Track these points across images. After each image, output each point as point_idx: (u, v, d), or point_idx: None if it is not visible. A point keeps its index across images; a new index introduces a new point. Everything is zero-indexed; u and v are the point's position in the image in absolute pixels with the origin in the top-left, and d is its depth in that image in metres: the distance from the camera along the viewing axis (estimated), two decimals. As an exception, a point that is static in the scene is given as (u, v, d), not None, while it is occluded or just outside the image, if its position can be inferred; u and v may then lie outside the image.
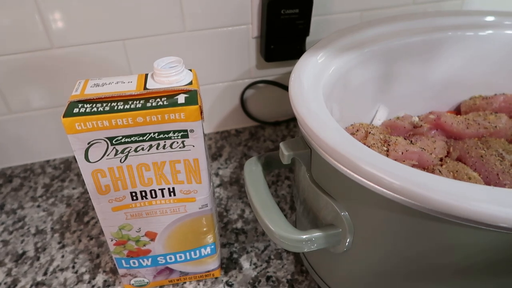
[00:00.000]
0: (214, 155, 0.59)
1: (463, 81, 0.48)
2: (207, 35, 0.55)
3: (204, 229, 0.38)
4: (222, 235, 0.47)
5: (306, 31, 0.55)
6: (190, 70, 0.34)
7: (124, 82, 0.33)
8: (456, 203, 0.24)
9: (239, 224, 0.48)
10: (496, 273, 0.28)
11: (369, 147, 0.39)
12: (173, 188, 0.34)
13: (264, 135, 0.63)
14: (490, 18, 0.47)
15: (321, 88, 0.36)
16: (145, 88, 0.32)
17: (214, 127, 0.64)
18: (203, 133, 0.32)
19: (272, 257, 0.44)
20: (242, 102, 0.62)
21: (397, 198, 0.26)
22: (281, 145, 0.33)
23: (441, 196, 0.24)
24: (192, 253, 0.39)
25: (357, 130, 0.42)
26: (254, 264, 0.43)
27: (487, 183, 0.38)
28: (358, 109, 0.45)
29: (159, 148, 0.32)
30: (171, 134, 0.31)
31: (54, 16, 0.48)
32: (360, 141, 0.41)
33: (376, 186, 0.26)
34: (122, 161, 0.32)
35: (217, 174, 0.55)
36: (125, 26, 0.51)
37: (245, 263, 0.43)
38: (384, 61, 0.45)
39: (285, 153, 0.33)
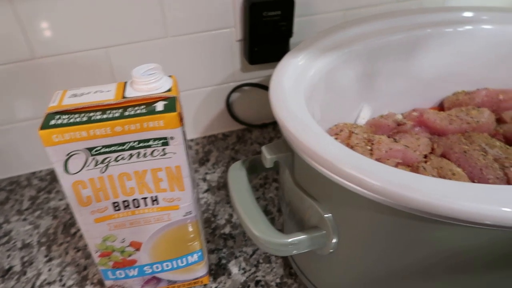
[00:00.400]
0: (201, 160, 0.58)
1: (446, 77, 0.48)
2: (190, 39, 0.54)
3: (190, 236, 0.37)
4: (210, 241, 0.46)
5: (289, 32, 0.55)
6: (170, 76, 0.34)
7: (102, 91, 0.32)
8: (438, 202, 0.24)
9: (227, 229, 0.47)
10: (483, 269, 0.28)
11: (353, 147, 0.39)
12: (156, 196, 0.34)
13: (251, 138, 0.63)
14: (469, 14, 0.47)
15: (302, 90, 0.36)
16: (123, 96, 0.31)
17: (200, 132, 0.63)
18: (185, 139, 0.32)
19: (261, 261, 0.43)
20: (228, 105, 0.62)
21: (379, 199, 0.26)
22: (263, 148, 0.33)
23: (423, 196, 0.24)
24: (179, 261, 0.38)
25: (341, 130, 0.42)
26: (243, 269, 0.43)
27: (471, 178, 0.38)
28: (342, 109, 0.45)
29: (139, 156, 0.31)
30: (151, 142, 0.31)
31: (35, 25, 0.48)
32: (344, 141, 0.41)
33: (358, 188, 0.26)
34: (102, 172, 0.31)
35: (204, 179, 0.55)
36: (107, 34, 0.51)
37: (233, 269, 0.43)
38: (366, 60, 0.45)
39: (267, 156, 0.33)
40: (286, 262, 0.43)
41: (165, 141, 0.31)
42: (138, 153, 0.31)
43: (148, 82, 0.31)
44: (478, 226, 0.24)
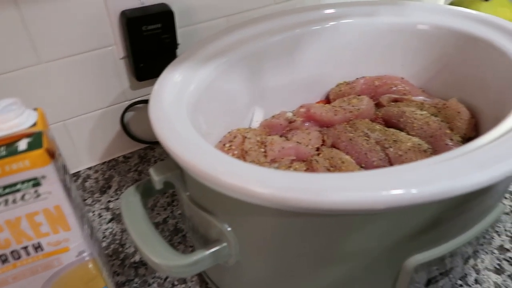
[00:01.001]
0: (102, 188, 0.55)
1: (327, 71, 0.51)
2: (68, 63, 0.51)
3: (90, 275, 0.35)
4: (120, 273, 0.44)
5: (173, 44, 0.54)
6: (36, 109, 0.31)
7: (-45, 137, 0.28)
8: (314, 198, 0.24)
9: (137, 257, 0.45)
10: (379, 253, 0.29)
11: (247, 152, 0.40)
12: (39, 243, 0.30)
13: (155, 156, 0.60)
14: (340, 9, 0.50)
15: (184, 104, 0.35)
16: (-21, 140, 0.28)
17: (99, 158, 0.60)
18: (63, 175, 0.30)
19: (176, 283, 0.42)
20: (124, 126, 0.59)
21: (265, 204, 0.26)
22: (150, 170, 0.32)
23: (300, 195, 0.24)
24: (82, 304, 0.36)
25: (235, 137, 0.42)
26: (158, 295, 0.41)
27: (359, 163, 0.40)
28: (233, 115, 0.45)
29: (8, 204, 0.28)
30: (19, 186, 0.28)
31: None
32: (238, 147, 0.41)
33: (242, 196, 0.26)
34: (-34, 228, 0.28)
35: (107, 208, 0.52)
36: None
37: (148, 297, 0.41)
38: (250, 63, 0.45)
39: (155, 178, 0.31)
40: (202, 278, 0.42)
41: (36, 182, 0.28)
42: (6, 201, 0.28)
43: (6, 120, 0.28)
44: (359, 214, 0.25)
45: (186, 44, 0.56)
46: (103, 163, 0.60)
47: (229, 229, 0.31)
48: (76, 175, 0.57)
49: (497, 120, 0.32)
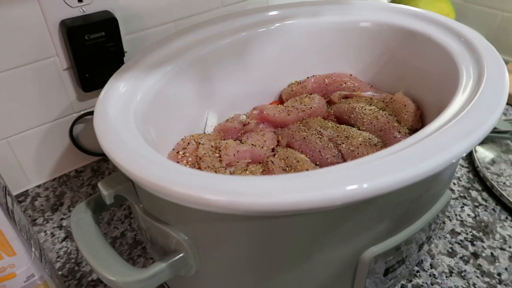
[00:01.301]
0: (54, 206, 0.52)
1: (279, 71, 0.51)
2: (8, 76, 0.48)
3: (42, 300, 0.33)
4: (77, 293, 0.42)
5: (120, 52, 0.52)
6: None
7: None
8: (269, 201, 0.24)
9: (94, 276, 0.43)
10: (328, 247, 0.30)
11: (201, 158, 0.39)
12: (-20, 271, 0.28)
13: (109, 168, 0.58)
14: (285, 10, 0.50)
15: (132, 113, 0.34)
16: None
17: (48, 175, 0.57)
18: (4, 197, 0.28)
19: (137, 298, 0.41)
20: (74, 139, 0.56)
21: (214, 210, 0.25)
22: (99, 184, 0.31)
23: (254, 199, 0.24)
24: (36, 331, 0.34)
25: (188, 144, 0.41)
26: (119, 312, 0.39)
27: (313, 161, 0.41)
28: (186, 121, 0.44)
29: None
30: (-47, 213, 0.26)
31: None
32: (192, 153, 0.40)
33: (191, 204, 0.25)
34: None
35: (60, 226, 0.49)
36: None
37: (108, 316, 0.39)
38: (199, 68, 0.45)
39: (104, 193, 0.30)
40: (164, 290, 0.41)
41: (-28, 207, 0.26)
42: None
43: None
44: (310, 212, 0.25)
45: (135, 51, 0.55)
46: (54, 179, 0.57)
47: (186, 238, 0.30)
48: (24, 194, 0.54)
49: (440, 110, 0.33)
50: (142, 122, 0.34)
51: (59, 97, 0.53)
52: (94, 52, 0.50)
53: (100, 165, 0.59)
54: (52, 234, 0.49)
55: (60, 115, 0.54)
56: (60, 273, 0.44)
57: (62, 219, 0.51)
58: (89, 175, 0.57)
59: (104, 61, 0.51)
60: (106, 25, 0.49)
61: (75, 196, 0.54)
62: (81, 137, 0.57)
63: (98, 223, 0.33)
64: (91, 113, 0.56)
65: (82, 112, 0.56)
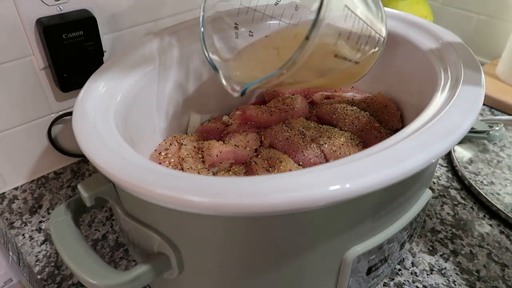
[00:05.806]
0: (32, 209, 0.51)
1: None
2: (-21, 77, 0.46)
3: (20, 306, 0.32)
4: (57, 298, 0.41)
5: (99, 52, 0.51)
6: None
7: None
8: (252, 202, 0.24)
9: (75, 279, 0.42)
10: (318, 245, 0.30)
11: (183, 159, 0.39)
12: (-46, 278, 0.28)
13: (89, 169, 0.57)
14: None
15: (112, 114, 0.33)
16: None
17: (26, 176, 0.55)
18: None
19: (119, 301, 0.40)
20: (52, 140, 0.55)
21: (200, 212, 0.25)
22: (79, 186, 0.30)
23: (236, 200, 0.24)
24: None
25: (170, 145, 0.41)
26: (100, 317, 0.39)
27: (296, 161, 0.41)
28: (169, 122, 0.44)
29: None
30: None
31: None
32: (175, 154, 0.40)
33: (173, 206, 0.25)
34: None
35: (39, 229, 0.48)
36: None
37: (89, 320, 0.38)
38: (181, 68, 0.44)
39: (84, 195, 0.29)
40: (146, 293, 0.41)
41: None
42: None
43: None
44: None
45: (115, 50, 0.54)
46: (32, 181, 0.55)
47: (168, 240, 0.30)
48: (1, 197, 0.53)
49: (419, 111, 0.34)
50: (122, 123, 0.34)
51: (36, 97, 0.52)
52: (72, 51, 0.49)
53: (80, 166, 0.58)
54: (31, 237, 0.47)
55: (38, 116, 0.53)
56: (39, 277, 0.43)
57: (41, 221, 0.49)
58: (69, 177, 0.56)
59: (82, 60, 0.50)
60: (84, 24, 0.48)
61: (54, 198, 0.53)
62: (60, 138, 0.56)
63: (78, 226, 0.32)
64: (70, 113, 0.55)
65: (60, 113, 0.54)
